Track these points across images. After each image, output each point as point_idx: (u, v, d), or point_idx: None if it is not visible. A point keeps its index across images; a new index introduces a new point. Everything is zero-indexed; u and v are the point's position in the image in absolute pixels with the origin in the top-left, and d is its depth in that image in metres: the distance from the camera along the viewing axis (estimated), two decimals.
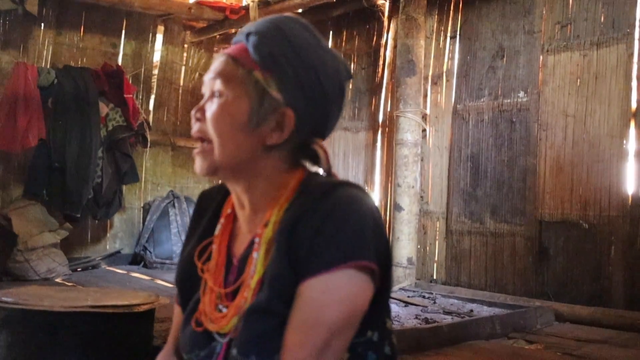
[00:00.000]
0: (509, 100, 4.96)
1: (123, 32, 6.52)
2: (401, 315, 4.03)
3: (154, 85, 6.84)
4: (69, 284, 4.98)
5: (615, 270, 4.29)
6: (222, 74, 1.08)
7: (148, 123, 6.30)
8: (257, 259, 1.04)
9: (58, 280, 5.17)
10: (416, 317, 3.96)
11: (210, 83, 1.09)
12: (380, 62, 5.99)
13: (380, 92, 5.97)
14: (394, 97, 5.41)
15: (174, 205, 6.54)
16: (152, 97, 6.84)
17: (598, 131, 4.44)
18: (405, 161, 5.11)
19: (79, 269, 5.79)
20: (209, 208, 1.22)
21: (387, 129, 5.85)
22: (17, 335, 2.34)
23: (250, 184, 1.09)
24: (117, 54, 6.49)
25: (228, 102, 1.06)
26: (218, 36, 7.08)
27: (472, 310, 4.26)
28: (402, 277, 4.98)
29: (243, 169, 1.07)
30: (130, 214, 6.70)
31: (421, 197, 5.40)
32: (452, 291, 4.89)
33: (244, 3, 6.47)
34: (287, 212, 1.02)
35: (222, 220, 1.17)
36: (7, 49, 5.75)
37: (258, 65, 1.05)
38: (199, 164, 1.09)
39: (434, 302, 4.51)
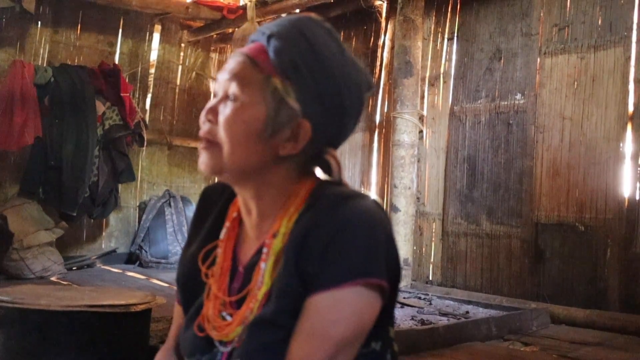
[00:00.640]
0: (506, 102, 4.97)
1: (120, 30, 6.51)
2: (397, 316, 4.03)
3: (151, 84, 6.83)
4: (65, 282, 4.97)
5: (611, 273, 4.29)
6: (238, 77, 1.02)
7: (145, 122, 6.29)
8: (265, 269, 1.01)
9: (53, 279, 5.16)
10: (412, 319, 3.96)
11: (225, 84, 1.04)
12: (378, 63, 5.99)
13: (377, 93, 5.97)
14: (391, 98, 5.41)
15: (169, 205, 6.53)
16: (149, 96, 6.83)
17: (595, 134, 4.45)
18: (401, 162, 5.11)
19: (74, 268, 5.79)
20: (214, 207, 1.19)
21: (383, 130, 5.85)
22: (13, 334, 2.33)
23: (258, 191, 1.06)
24: (114, 53, 6.49)
25: (243, 108, 1.01)
26: (215, 36, 7.08)
27: (468, 312, 4.26)
28: None
29: (251, 177, 1.04)
30: (126, 213, 6.68)
31: (417, 198, 5.40)
32: (448, 292, 4.89)
33: (242, 3, 6.46)
34: (297, 223, 1.00)
35: (227, 223, 1.14)
36: (4, 47, 5.73)
37: (278, 71, 1.00)
38: (204, 161, 1.05)
39: (430, 304, 4.51)
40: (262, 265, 1.02)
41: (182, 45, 7.09)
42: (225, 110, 1.03)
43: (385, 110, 5.86)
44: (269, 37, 1.03)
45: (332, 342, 0.92)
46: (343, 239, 0.93)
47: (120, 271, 5.89)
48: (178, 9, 6.33)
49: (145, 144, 6.29)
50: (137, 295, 2.68)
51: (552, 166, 4.66)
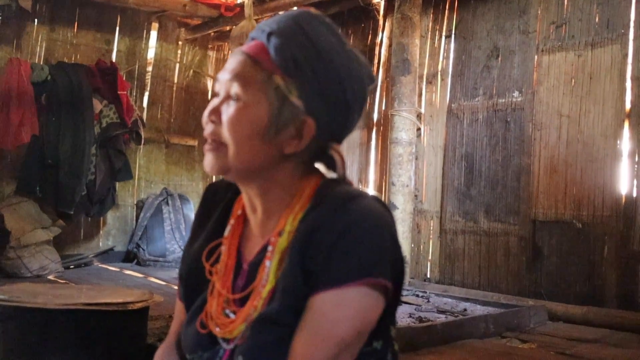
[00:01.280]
0: (503, 100, 4.97)
1: (117, 28, 6.50)
2: (396, 316, 4.02)
3: (148, 82, 6.82)
4: (62, 281, 4.96)
5: (608, 270, 4.30)
6: (240, 77, 1.01)
7: (142, 120, 6.29)
8: (270, 267, 1.01)
9: (50, 277, 5.15)
10: (410, 316, 3.96)
11: (227, 84, 1.03)
12: (375, 61, 5.98)
13: (375, 90, 5.96)
14: (389, 96, 5.41)
15: (167, 203, 6.53)
16: (146, 94, 6.82)
17: (592, 131, 4.46)
18: (399, 160, 5.11)
19: (71, 266, 5.78)
20: (218, 204, 1.19)
21: (381, 128, 5.85)
22: (10, 332, 2.33)
23: (263, 189, 1.05)
24: (111, 51, 6.48)
25: (247, 108, 1.00)
26: (213, 33, 7.07)
27: (465, 309, 4.27)
28: None
29: (257, 175, 1.04)
30: (123, 211, 6.68)
31: (415, 196, 5.40)
32: (446, 290, 4.90)
33: (239, 0, 6.45)
34: (303, 222, 0.99)
35: (232, 221, 1.13)
36: (0, 45, 5.72)
37: (279, 69, 1.00)
38: (210, 162, 1.04)
39: (428, 301, 4.52)
40: (267, 263, 1.02)
41: (180, 43, 7.08)
42: (228, 111, 1.02)
43: (383, 107, 5.86)
44: (269, 35, 1.02)
45: (334, 342, 0.92)
46: (348, 239, 0.93)
47: (118, 269, 5.88)
48: (175, 6, 6.32)
49: (142, 142, 6.29)
50: (135, 294, 2.68)
51: (549, 163, 4.67)
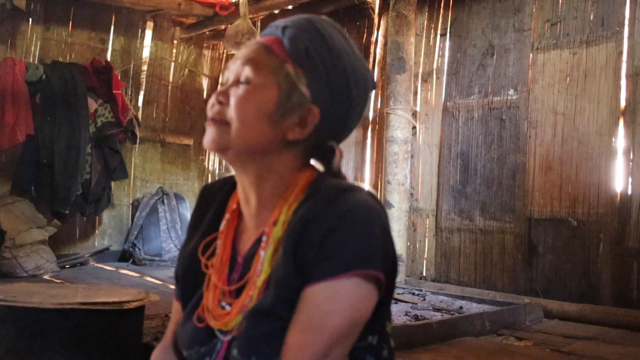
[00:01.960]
0: (498, 98, 4.98)
1: (112, 27, 6.49)
2: (391, 312, 4.03)
3: (143, 81, 6.81)
4: (58, 280, 4.95)
5: (603, 267, 4.31)
6: (252, 61, 1.05)
7: (137, 119, 6.28)
8: (265, 257, 1.02)
9: (46, 277, 5.14)
10: (406, 314, 3.97)
11: (238, 69, 1.06)
12: (371, 59, 5.98)
13: None
14: (384, 94, 5.41)
15: (163, 202, 6.52)
16: (141, 93, 6.81)
17: (587, 129, 4.47)
18: (395, 158, 5.11)
19: (67, 266, 5.77)
20: (213, 203, 1.20)
21: (377, 126, 5.85)
22: (5, 332, 2.32)
23: (259, 178, 1.07)
24: (105, 50, 6.46)
25: (256, 89, 1.04)
26: (208, 32, 7.06)
27: (461, 307, 4.27)
28: None
29: (255, 159, 1.05)
30: (119, 210, 6.67)
31: (411, 194, 5.40)
32: (442, 288, 4.90)
33: None
34: (296, 213, 1.01)
35: (227, 215, 1.15)
36: None
37: (291, 58, 1.04)
38: (211, 136, 1.06)
39: (424, 299, 4.52)
40: (262, 253, 1.03)
41: (175, 42, 7.07)
42: (237, 92, 1.05)
43: (379, 106, 5.86)
44: (284, 28, 1.07)
45: (327, 334, 0.93)
46: (340, 231, 0.94)
47: (114, 269, 5.87)
48: (170, 5, 6.30)
49: (138, 141, 6.27)
50: (130, 293, 2.68)
51: (544, 161, 4.68)
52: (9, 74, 5.36)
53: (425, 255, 5.43)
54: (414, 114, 5.35)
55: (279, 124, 1.04)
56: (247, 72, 1.05)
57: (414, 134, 5.41)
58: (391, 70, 5.17)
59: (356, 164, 6.05)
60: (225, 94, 1.06)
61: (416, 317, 3.87)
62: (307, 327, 0.93)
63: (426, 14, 5.55)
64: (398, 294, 4.62)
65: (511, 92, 4.90)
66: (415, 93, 5.45)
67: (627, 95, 4.28)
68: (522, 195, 4.78)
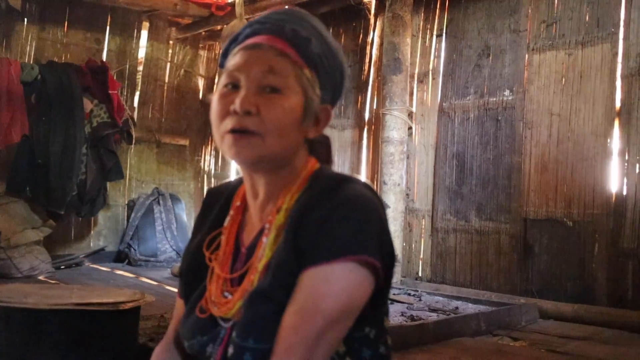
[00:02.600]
0: (494, 99, 4.99)
1: (107, 28, 6.48)
2: (389, 307, 4.02)
3: (139, 81, 6.80)
4: (53, 281, 4.94)
5: (598, 268, 4.32)
6: (277, 70, 1.06)
7: (133, 119, 6.27)
8: (267, 243, 1.06)
9: (41, 278, 5.12)
10: (402, 315, 3.97)
11: (259, 75, 1.05)
12: (367, 60, 5.99)
13: (367, 89, 5.97)
14: (380, 95, 5.41)
15: (158, 203, 6.51)
16: (137, 93, 6.80)
17: (583, 130, 4.48)
18: (391, 159, 5.12)
19: (62, 267, 5.75)
20: (217, 203, 1.23)
21: (373, 127, 5.86)
22: (0, 333, 2.31)
23: (277, 175, 1.10)
24: (101, 50, 6.45)
25: (288, 98, 1.05)
26: (204, 33, 7.06)
27: (457, 308, 4.28)
28: None
29: (285, 162, 1.09)
30: (114, 211, 6.65)
31: (407, 194, 5.41)
32: (438, 288, 4.91)
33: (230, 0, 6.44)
34: (298, 201, 1.05)
35: (231, 212, 1.18)
36: None
37: (306, 63, 1.08)
38: (244, 151, 1.04)
39: (420, 300, 4.52)
40: (264, 239, 1.07)
41: (171, 42, 7.06)
42: (273, 102, 1.05)
43: (375, 107, 5.86)
44: (292, 30, 1.09)
45: (321, 316, 0.94)
46: (337, 218, 0.97)
47: (109, 270, 5.86)
48: (166, 5, 6.30)
49: (133, 141, 6.27)
50: (126, 294, 2.67)
51: (540, 162, 4.69)
52: (4, 74, 5.35)
53: (421, 256, 5.43)
54: (410, 115, 5.35)
55: (302, 126, 1.08)
56: (274, 80, 1.05)
57: (410, 134, 5.41)
58: (387, 71, 5.17)
59: (352, 165, 6.05)
60: (253, 103, 1.04)
61: (412, 318, 3.87)
62: (301, 310, 0.95)
63: (422, 14, 5.56)
64: (394, 294, 4.62)
65: (507, 92, 4.91)
66: (411, 94, 5.45)
67: (622, 96, 4.29)
68: (517, 196, 4.78)
